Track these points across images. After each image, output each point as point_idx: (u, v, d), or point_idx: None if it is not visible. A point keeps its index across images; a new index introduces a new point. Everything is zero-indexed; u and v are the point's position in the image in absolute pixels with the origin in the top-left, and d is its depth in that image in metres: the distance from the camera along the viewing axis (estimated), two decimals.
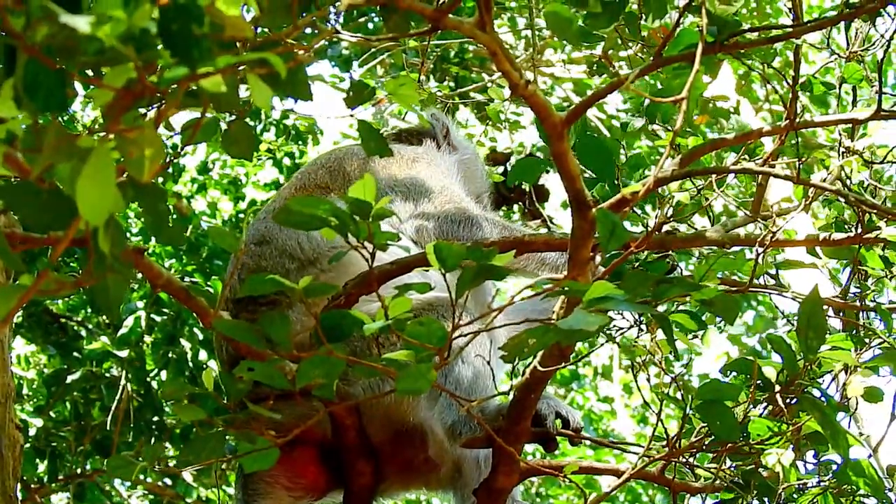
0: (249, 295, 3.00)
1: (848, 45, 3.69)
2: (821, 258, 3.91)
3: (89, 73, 1.90)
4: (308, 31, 2.78)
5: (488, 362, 3.68)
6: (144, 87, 1.81)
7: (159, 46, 1.78)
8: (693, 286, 2.70)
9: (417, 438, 4.04)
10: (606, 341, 2.90)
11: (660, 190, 3.90)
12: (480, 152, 6.28)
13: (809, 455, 3.43)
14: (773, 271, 3.82)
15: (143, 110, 2.18)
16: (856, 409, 4.11)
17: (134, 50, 1.73)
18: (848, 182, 3.70)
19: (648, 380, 3.56)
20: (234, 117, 2.73)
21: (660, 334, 3.47)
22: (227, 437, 2.97)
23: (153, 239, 10.50)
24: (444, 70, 10.11)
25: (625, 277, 2.55)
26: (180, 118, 3.70)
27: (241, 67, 1.98)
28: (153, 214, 2.13)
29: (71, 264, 9.09)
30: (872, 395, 3.58)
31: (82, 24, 1.65)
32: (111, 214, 1.95)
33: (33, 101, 1.79)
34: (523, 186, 6.87)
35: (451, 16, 2.60)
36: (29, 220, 2.08)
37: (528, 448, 10.21)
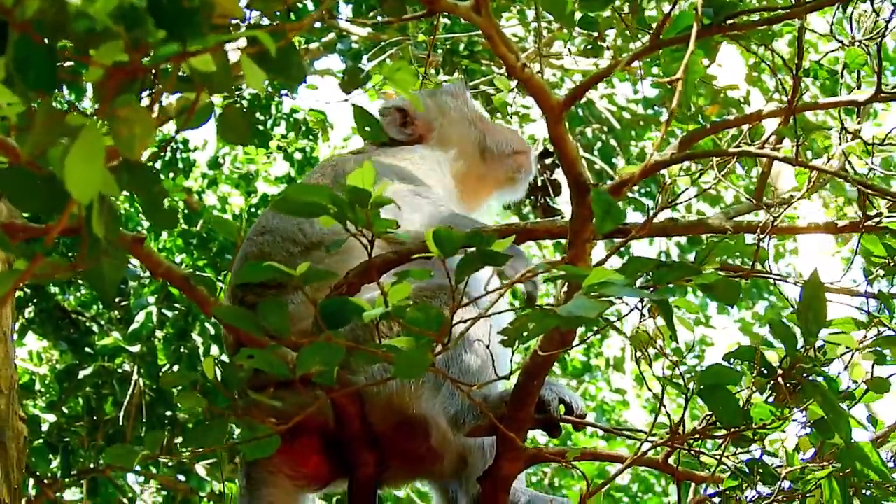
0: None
1: (852, 29, 3.68)
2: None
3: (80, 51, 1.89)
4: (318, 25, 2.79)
5: (487, 346, 3.66)
6: (136, 66, 1.80)
7: (150, 24, 1.77)
8: (693, 270, 2.69)
9: (420, 429, 4.03)
10: (605, 327, 2.87)
11: (665, 175, 3.89)
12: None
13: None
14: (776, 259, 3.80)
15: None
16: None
17: (124, 27, 1.73)
18: (850, 166, 3.68)
19: (651, 366, 3.53)
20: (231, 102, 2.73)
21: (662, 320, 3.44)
22: (232, 426, 2.97)
23: (164, 234, 10.57)
24: (454, 63, 10.09)
25: (625, 262, 2.54)
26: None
27: (234, 48, 1.98)
28: (146, 196, 2.13)
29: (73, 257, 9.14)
30: (879, 385, 3.54)
31: None
32: (104, 198, 1.94)
33: (24, 79, 1.79)
34: (536, 181, 6.84)
35: None
36: (22, 206, 2.08)
37: (542, 440, 10.21)
